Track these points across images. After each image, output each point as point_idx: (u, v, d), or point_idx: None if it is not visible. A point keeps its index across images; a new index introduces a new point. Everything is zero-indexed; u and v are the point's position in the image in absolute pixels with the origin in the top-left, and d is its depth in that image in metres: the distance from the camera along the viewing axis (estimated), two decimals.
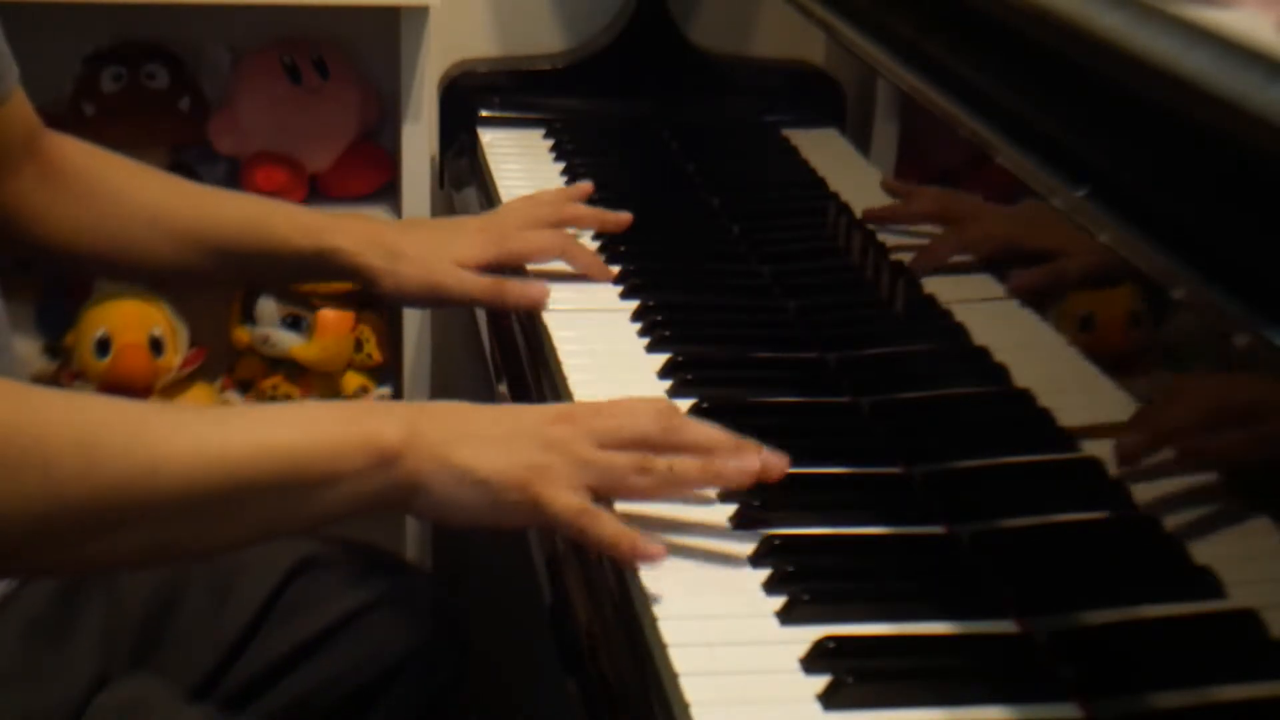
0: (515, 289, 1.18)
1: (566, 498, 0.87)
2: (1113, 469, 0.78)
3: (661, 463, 0.89)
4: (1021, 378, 0.88)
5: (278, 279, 1.54)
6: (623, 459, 0.89)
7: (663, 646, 0.80)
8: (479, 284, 1.19)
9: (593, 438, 0.89)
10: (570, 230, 1.29)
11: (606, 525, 0.86)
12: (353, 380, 1.72)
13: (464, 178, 1.55)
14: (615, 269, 1.25)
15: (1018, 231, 0.92)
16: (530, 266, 1.24)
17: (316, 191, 1.72)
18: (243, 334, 1.72)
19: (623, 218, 1.29)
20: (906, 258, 1.04)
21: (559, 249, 1.24)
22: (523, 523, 0.90)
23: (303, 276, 1.43)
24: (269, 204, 1.26)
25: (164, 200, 1.20)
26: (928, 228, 1.06)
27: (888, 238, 1.08)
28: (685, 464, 0.89)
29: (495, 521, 0.89)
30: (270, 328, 1.71)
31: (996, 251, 0.94)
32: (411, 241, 1.20)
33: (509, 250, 1.22)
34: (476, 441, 0.88)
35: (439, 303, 1.24)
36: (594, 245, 1.30)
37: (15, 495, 0.79)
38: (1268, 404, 0.65)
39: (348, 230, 1.20)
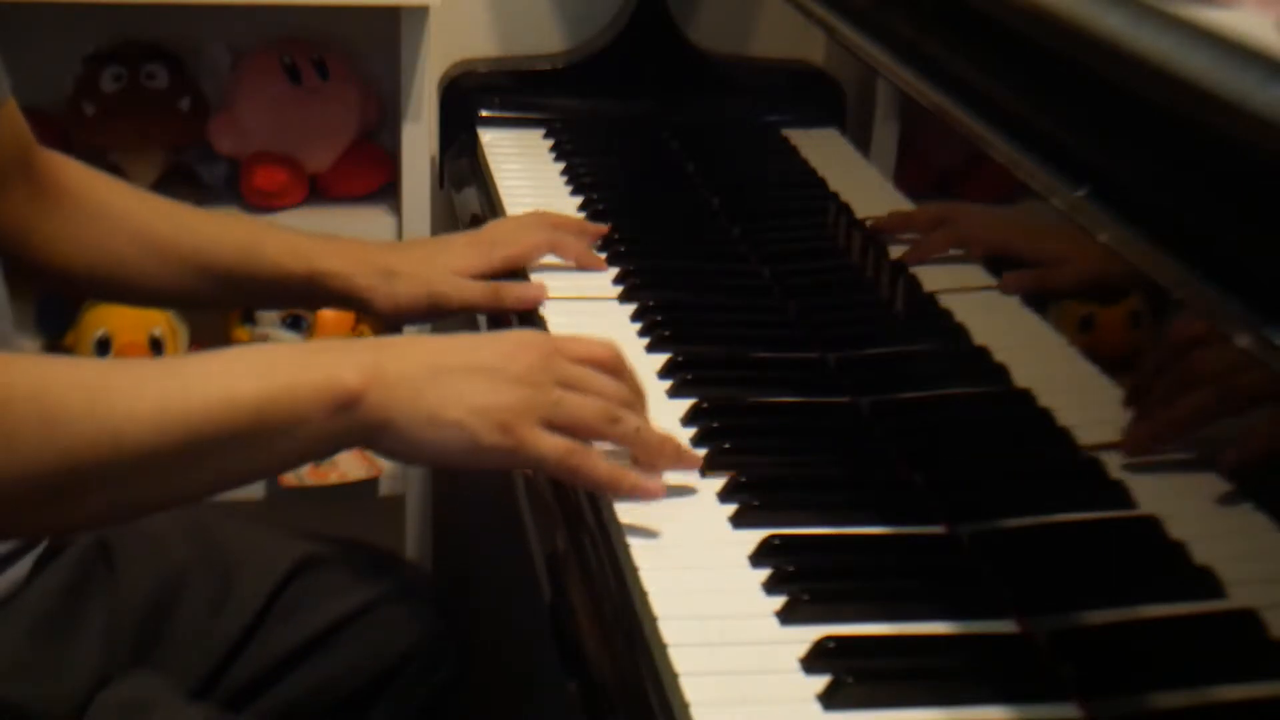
0: (513, 291, 1.19)
1: (550, 439, 0.88)
2: (1113, 467, 0.78)
3: (631, 420, 0.91)
4: (1021, 378, 0.89)
5: (268, 303, 1.55)
6: (594, 404, 0.91)
7: (663, 646, 0.80)
8: (476, 290, 1.19)
9: (559, 377, 0.90)
10: None
11: (599, 464, 0.88)
12: None
13: (464, 178, 1.55)
14: (615, 269, 1.25)
15: (1016, 238, 0.92)
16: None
17: (316, 191, 1.72)
18: (243, 334, 1.72)
19: (600, 228, 1.31)
20: (907, 257, 1.04)
21: (548, 244, 1.25)
22: (500, 464, 0.91)
23: (294, 301, 1.43)
24: (260, 227, 1.25)
25: (155, 222, 1.18)
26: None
27: (888, 238, 1.08)
28: (650, 432, 0.92)
29: (471, 463, 0.90)
30: (270, 327, 1.71)
31: (991, 252, 0.95)
32: (404, 260, 1.20)
33: (501, 256, 1.22)
34: (445, 379, 0.89)
35: (437, 314, 1.22)
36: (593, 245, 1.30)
37: None
38: (1267, 403, 0.65)
39: (339, 253, 1.19)
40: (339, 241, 1.22)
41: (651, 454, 0.93)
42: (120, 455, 0.82)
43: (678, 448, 0.94)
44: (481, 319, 1.26)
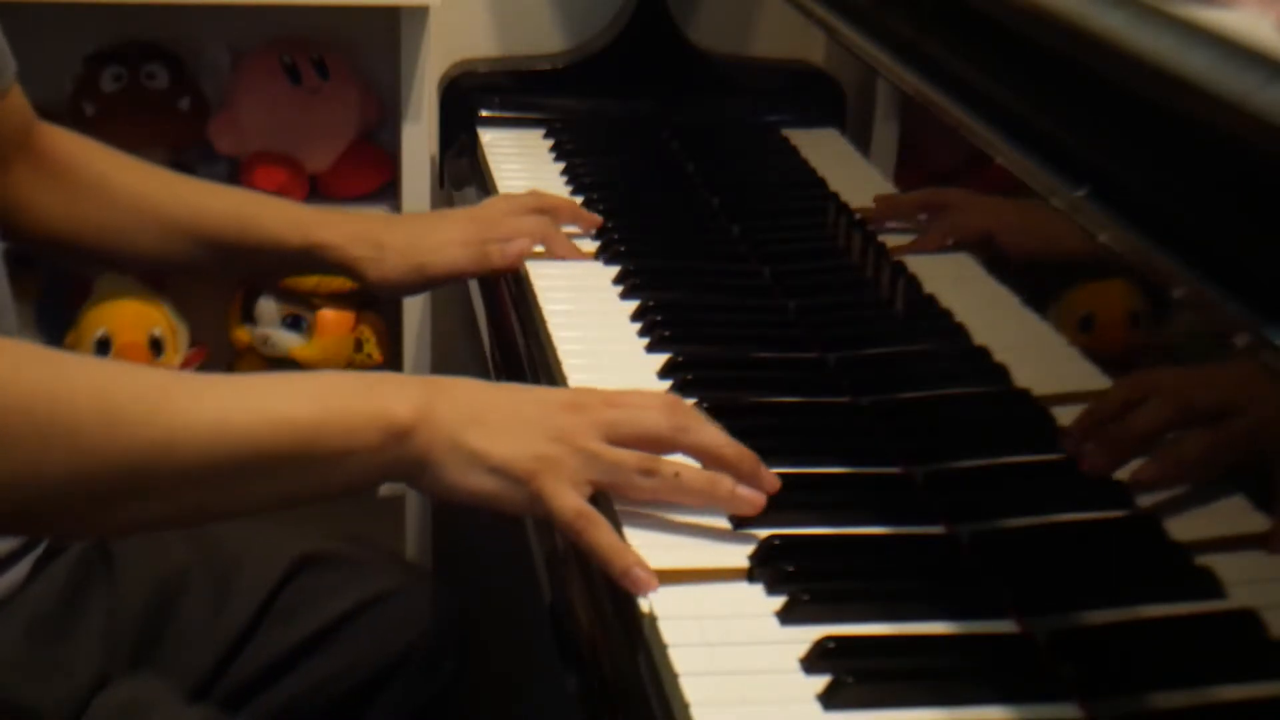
0: (496, 250, 1.20)
1: (569, 496, 0.87)
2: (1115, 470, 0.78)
3: (668, 467, 0.89)
4: (1021, 378, 0.88)
5: (265, 272, 1.55)
6: (629, 458, 0.89)
7: (663, 646, 0.80)
8: (462, 254, 1.21)
9: (600, 430, 0.89)
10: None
11: (604, 535, 0.86)
12: None
13: (464, 178, 1.55)
14: (615, 269, 1.26)
15: (1007, 223, 0.92)
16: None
17: (316, 191, 1.72)
18: (243, 334, 1.72)
19: (595, 219, 1.32)
20: (907, 258, 1.04)
21: (540, 235, 1.26)
22: (522, 512, 0.90)
23: (290, 270, 1.46)
24: (258, 198, 1.28)
25: (153, 191, 1.21)
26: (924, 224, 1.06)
27: (888, 238, 1.08)
28: (692, 475, 0.89)
29: (496, 506, 0.90)
30: (270, 328, 1.71)
31: (984, 240, 0.94)
32: (397, 233, 1.23)
33: (494, 235, 1.24)
34: (488, 425, 0.89)
35: (426, 283, 1.25)
36: (593, 245, 1.30)
37: (43, 462, 0.79)
38: (1267, 403, 0.65)
39: (334, 225, 1.22)
40: (335, 214, 1.25)
41: (696, 499, 0.90)
42: (174, 465, 0.82)
43: (731, 489, 0.90)
44: (481, 312, 1.26)
